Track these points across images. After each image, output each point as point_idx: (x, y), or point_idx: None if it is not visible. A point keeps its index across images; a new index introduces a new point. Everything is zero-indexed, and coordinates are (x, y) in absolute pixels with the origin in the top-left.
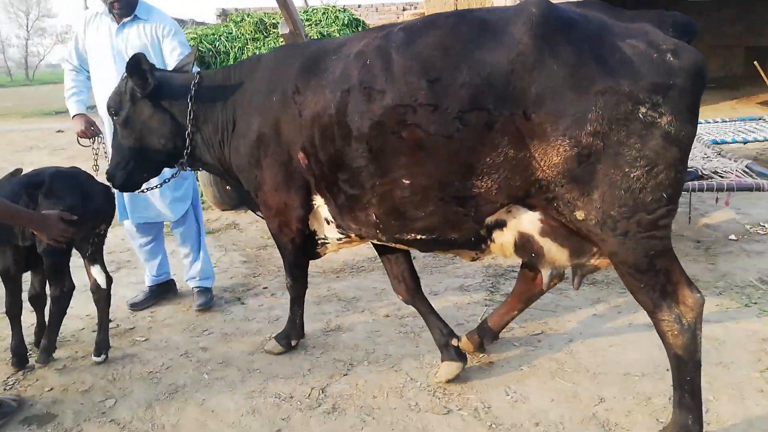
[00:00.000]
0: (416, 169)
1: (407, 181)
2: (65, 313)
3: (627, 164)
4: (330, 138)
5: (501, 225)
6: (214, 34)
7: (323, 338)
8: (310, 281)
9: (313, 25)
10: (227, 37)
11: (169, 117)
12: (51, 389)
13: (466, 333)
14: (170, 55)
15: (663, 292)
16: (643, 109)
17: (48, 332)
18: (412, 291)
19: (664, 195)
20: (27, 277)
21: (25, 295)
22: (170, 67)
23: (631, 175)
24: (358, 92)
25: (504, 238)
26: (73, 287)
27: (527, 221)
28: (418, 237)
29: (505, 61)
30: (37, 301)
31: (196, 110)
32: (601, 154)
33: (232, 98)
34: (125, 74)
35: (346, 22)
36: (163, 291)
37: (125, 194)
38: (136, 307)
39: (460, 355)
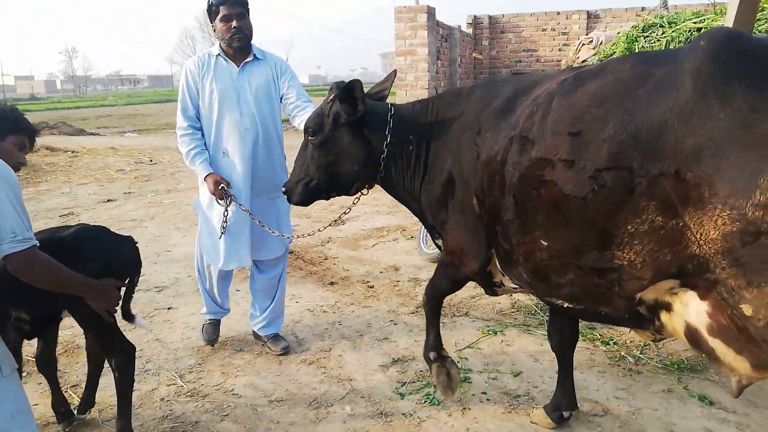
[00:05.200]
0: (553, 231)
1: (545, 243)
2: (134, 380)
3: None
4: (493, 186)
5: (666, 307)
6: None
7: None
8: None
9: None
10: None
11: (365, 144)
12: None
13: None
14: (287, 91)
15: None
16: None
17: (120, 406)
18: (566, 346)
19: None
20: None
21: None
22: (288, 101)
23: None
24: (517, 141)
25: (674, 323)
26: (134, 348)
27: (693, 311)
28: (566, 305)
29: (658, 110)
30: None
31: (391, 142)
32: None
33: (427, 134)
34: (330, 98)
35: None
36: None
37: (233, 238)
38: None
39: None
